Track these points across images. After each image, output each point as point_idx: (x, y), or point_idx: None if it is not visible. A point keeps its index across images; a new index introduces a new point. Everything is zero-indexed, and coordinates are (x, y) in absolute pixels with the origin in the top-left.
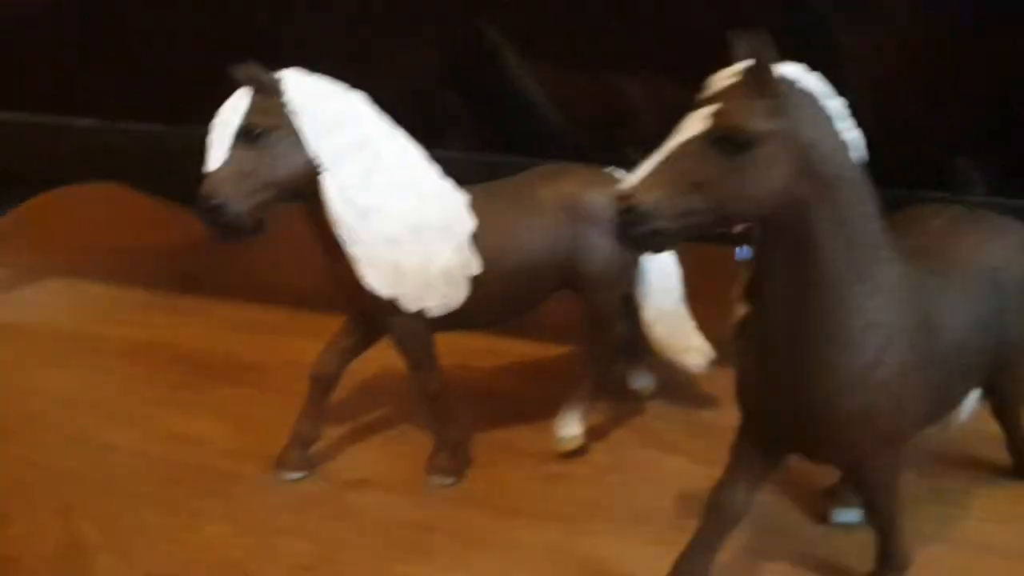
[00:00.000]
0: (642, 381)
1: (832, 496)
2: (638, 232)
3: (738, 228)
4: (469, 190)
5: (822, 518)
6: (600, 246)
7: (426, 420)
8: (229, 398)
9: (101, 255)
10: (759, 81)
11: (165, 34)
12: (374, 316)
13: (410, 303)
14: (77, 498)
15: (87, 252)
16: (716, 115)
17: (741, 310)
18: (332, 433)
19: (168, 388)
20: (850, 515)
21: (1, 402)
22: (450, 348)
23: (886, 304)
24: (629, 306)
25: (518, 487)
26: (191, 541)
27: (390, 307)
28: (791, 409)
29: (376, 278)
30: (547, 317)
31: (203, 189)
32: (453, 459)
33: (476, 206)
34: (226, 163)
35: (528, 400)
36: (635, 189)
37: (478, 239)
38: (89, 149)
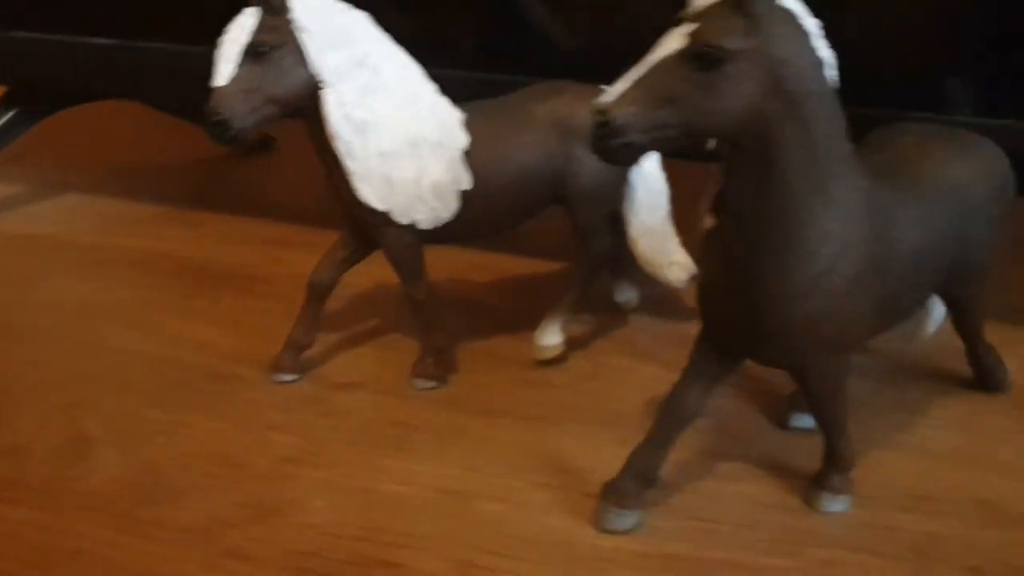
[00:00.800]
0: (626, 295)
1: (791, 402)
2: (611, 144)
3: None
4: (465, 107)
5: (782, 424)
6: (590, 162)
7: (414, 329)
8: (236, 307)
9: (115, 172)
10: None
11: None
12: (368, 228)
13: (401, 216)
14: (84, 396)
15: (102, 169)
16: (693, 33)
17: (708, 222)
18: (325, 340)
19: (178, 296)
20: (807, 420)
21: (18, 309)
22: (439, 262)
23: (841, 215)
24: (616, 222)
25: (498, 391)
26: (188, 435)
27: (383, 219)
28: (746, 313)
29: (370, 191)
30: (532, 234)
31: (210, 104)
32: (437, 364)
33: (470, 123)
34: (233, 79)
35: (512, 312)
36: (610, 104)
37: (470, 155)
38: (106, 68)
